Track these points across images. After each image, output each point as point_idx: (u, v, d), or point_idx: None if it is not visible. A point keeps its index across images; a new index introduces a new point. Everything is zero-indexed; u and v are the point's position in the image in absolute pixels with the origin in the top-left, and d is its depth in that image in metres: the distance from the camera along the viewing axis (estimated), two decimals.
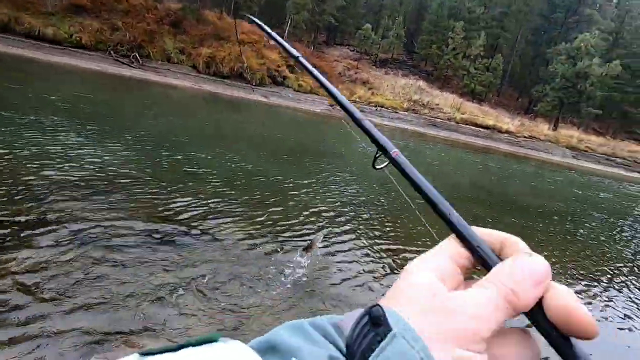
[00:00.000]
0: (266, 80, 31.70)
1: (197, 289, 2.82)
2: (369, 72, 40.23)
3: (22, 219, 3.29)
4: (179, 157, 6.69)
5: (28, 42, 22.73)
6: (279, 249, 3.80)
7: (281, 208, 5.05)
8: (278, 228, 4.35)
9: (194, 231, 3.78)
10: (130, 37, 26.88)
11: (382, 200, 6.76)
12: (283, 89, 32.44)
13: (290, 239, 4.12)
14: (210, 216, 4.25)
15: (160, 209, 4.13)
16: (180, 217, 4.06)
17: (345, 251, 4.13)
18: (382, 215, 5.78)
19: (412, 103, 36.13)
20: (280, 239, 4.08)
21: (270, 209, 4.91)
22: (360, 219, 5.39)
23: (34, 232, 3.10)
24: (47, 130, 6.51)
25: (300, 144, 12.21)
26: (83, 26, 25.60)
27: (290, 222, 4.64)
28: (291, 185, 6.34)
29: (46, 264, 2.71)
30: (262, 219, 4.52)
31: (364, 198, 6.62)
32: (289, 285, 3.14)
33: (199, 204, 4.53)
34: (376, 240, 4.64)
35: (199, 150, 7.50)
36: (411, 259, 0.31)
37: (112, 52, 25.92)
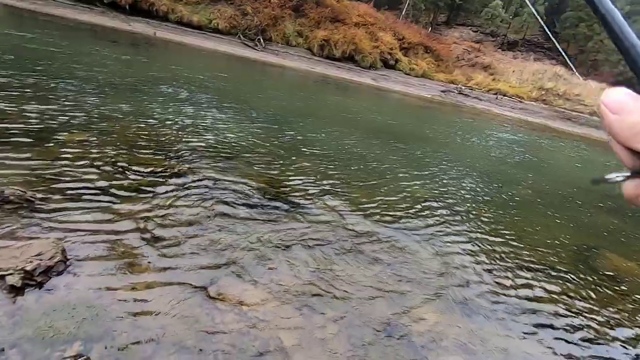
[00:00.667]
0: (377, 64, 31.11)
1: (293, 252, 2.97)
2: (492, 56, 35.97)
3: (159, 169, 3.93)
4: (292, 133, 7.11)
5: (179, 29, 26.79)
6: (378, 230, 3.75)
7: (390, 196, 4.95)
8: (387, 214, 4.28)
9: (301, 202, 3.98)
10: (257, 21, 29.31)
11: (506, 197, 6.07)
12: (392, 72, 31.43)
13: (395, 223, 4.02)
14: (318, 192, 4.41)
15: (272, 178, 4.46)
16: (290, 188, 4.31)
17: (457, 243, 3.85)
18: (507, 216, 5.20)
19: (543, 92, 31.20)
20: (384, 222, 4.02)
21: (380, 196, 4.86)
22: (480, 214, 4.94)
23: (166, 182, 3.68)
24: (185, 102, 7.61)
25: (411, 130, 11.74)
26: (220, 13, 28.89)
27: (398, 210, 4.52)
28: (406, 174, 6.14)
29: (172, 209, 3.20)
30: (371, 204, 4.50)
31: (486, 192, 6.04)
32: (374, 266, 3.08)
33: (308, 179, 4.74)
34: (493, 240, 4.20)
35: (309, 129, 7.84)
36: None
37: (241, 35, 28.74)
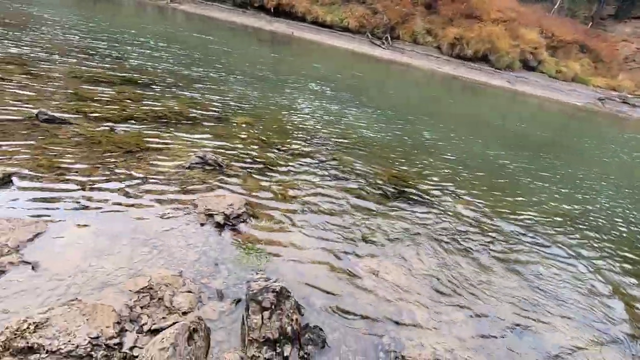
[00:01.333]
0: (515, 65, 27.97)
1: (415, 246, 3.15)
2: None
3: (301, 150, 4.54)
4: (419, 127, 7.18)
5: (313, 28, 28.92)
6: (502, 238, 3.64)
7: (522, 207, 4.68)
8: (512, 222, 4.10)
9: (424, 197, 4.12)
10: (386, 19, 29.47)
11: None
12: (533, 75, 27.80)
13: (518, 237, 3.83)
14: (440, 189, 4.47)
15: (396, 170, 4.69)
16: (413, 182, 4.48)
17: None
18: None
19: None
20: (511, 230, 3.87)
21: (507, 201, 4.65)
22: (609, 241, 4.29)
23: (309, 164, 4.25)
24: (326, 98, 8.37)
25: (551, 140, 10.45)
26: (352, 12, 30.02)
27: (523, 218, 4.27)
28: (534, 185, 5.68)
29: (315, 188, 3.71)
30: (493, 207, 4.36)
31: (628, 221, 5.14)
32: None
33: (433, 178, 4.82)
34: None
35: (434, 128, 7.77)
36: None
37: (369, 34, 29.38)
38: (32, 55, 5.93)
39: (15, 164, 2.79)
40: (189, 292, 2.03)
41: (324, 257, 2.65)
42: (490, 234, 3.61)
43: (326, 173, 4.12)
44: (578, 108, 22.55)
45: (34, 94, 4.32)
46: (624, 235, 4.43)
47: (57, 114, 3.74)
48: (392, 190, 4.09)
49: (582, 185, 6.24)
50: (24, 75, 4.85)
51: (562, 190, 5.61)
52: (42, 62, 5.64)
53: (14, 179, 2.61)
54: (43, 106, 3.90)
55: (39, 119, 3.62)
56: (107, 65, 6.41)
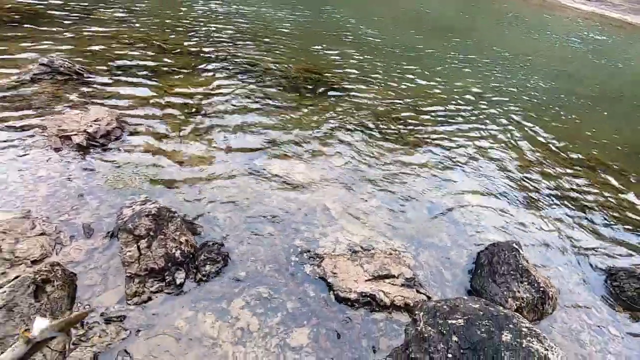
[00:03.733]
0: None
1: (325, 137, 2.93)
2: None
3: (175, 46, 3.79)
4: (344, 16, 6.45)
5: None
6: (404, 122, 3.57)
7: (439, 91, 4.58)
8: (430, 109, 4.02)
9: (337, 88, 3.79)
10: None
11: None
12: None
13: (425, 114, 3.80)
14: (353, 79, 4.16)
15: (310, 63, 4.21)
16: (326, 74, 4.08)
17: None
18: None
19: None
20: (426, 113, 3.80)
21: (419, 85, 4.51)
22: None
23: (184, 60, 3.57)
24: None
25: (453, 22, 10.33)
26: None
27: (447, 103, 4.22)
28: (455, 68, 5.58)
29: (185, 88, 3.16)
30: (402, 91, 4.21)
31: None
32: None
33: (347, 69, 4.43)
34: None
35: (360, 17, 7.07)
36: None
37: None
38: None
39: None
40: (42, 234, 1.58)
41: (226, 168, 2.29)
42: (400, 120, 3.50)
43: (227, 71, 3.50)
44: None
45: None
46: (527, 105, 4.69)
47: None
48: (305, 85, 3.67)
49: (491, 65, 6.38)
50: None
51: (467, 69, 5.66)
52: None
53: None
54: None
55: None
56: None
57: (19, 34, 3.20)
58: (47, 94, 2.49)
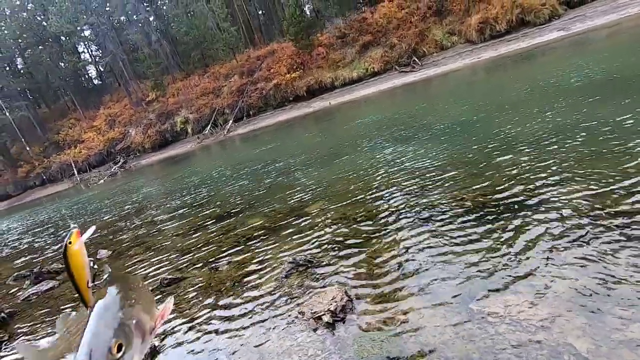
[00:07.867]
0: (559, 10, 25.45)
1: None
2: None
3: (367, 215, 4.47)
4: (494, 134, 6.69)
5: (345, 89, 30.62)
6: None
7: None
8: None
9: (518, 206, 3.66)
10: (406, 46, 29.94)
11: None
12: (586, 7, 24.72)
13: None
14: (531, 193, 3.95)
15: (479, 192, 4.31)
16: (500, 195, 4.05)
17: None
18: None
19: None
20: None
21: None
22: None
23: (376, 224, 4.15)
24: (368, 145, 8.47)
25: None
26: (372, 58, 31.31)
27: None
28: None
29: (391, 250, 3.55)
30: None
31: None
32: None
33: (524, 185, 4.33)
34: None
35: (508, 123, 7.16)
36: None
37: (395, 66, 29.91)
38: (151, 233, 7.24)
39: None
40: None
41: (443, 317, 2.43)
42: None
43: (416, 223, 3.97)
44: None
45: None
46: None
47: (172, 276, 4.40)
48: (481, 211, 3.73)
49: None
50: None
51: None
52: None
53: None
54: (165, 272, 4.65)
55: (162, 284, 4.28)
56: (199, 210, 7.51)
57: (267, 246, 4.62)
58: (297, 284, 3.42)
